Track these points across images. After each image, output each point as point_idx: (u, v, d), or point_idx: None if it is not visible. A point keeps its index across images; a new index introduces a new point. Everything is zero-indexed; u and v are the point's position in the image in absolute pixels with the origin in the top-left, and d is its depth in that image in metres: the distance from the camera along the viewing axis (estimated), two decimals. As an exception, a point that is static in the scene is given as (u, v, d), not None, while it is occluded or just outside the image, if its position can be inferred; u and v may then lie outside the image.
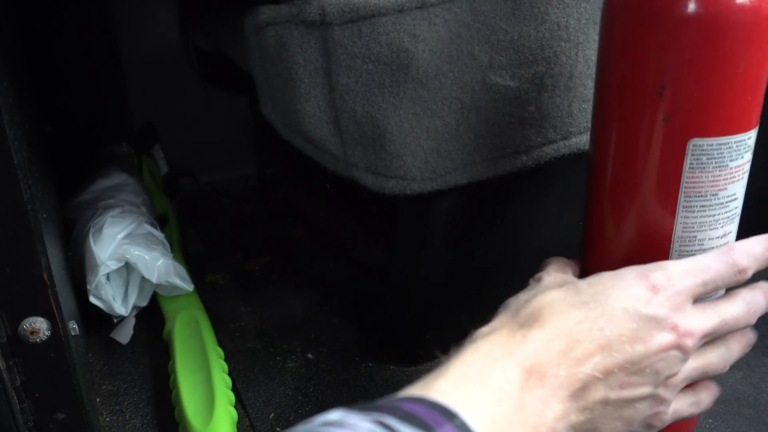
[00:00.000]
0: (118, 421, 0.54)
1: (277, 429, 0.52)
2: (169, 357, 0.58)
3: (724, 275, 0.37)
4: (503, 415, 0.31)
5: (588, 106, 0.50)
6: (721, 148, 0.38)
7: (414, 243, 0.55)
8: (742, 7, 0.35)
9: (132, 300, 0.64)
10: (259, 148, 0.94)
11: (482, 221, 0.55)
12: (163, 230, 0.73)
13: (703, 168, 0.38)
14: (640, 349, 0.35)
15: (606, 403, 0.35)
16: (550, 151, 0.51)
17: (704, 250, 0.41)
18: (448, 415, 0.29)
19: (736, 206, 0.41)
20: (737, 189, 0.40)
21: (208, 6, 0.77)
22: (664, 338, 0.35)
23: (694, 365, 0.38)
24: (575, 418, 0.34)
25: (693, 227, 0.40)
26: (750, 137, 0.39)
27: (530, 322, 0.36)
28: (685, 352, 0.36)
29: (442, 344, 0.60)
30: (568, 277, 0.43)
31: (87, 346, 0.63)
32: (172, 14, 0.89)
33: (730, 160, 0.38)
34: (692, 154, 0.38)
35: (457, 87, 0.46)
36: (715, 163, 0.38)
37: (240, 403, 0.55)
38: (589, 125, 0.51)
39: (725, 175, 0.39)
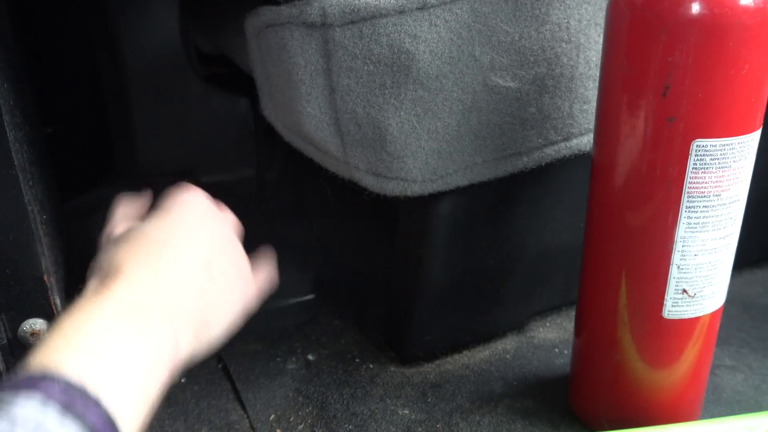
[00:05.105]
0: (118, 423, 0.54)
1: (278, 430, 0.52)
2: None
3: None
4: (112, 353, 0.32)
5: (589, 108, 0.50)
6: (724, 149, 0.38)
7: (415, 244, 0.55)
8: (746, 9, 0.34)
9: None
10: (259, 149, 0.93)
11: (483, 222, 0.55)
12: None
13: (707, 169, 0.38)
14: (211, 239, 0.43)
15: (204, 294, 0.40)
16: (551, 152, 0.51)
17: (706, 251, 0.41)
18: (46, 381, 0.29)
19: (739, 207, 0.41)
20: (740, 190, 0.40)
21: (209, 7, 0.77)
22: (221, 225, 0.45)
23: None
24: (180, 315, 0.37)
25: (696, 227, 0.40)
26: (753, 139, 0.39)
27: (111, 276, 0.37)
28: None
29: (442, 345, 0.60)
30: (134, 223, 0.45)
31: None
32: (173, 15, 0.89)
33: (734, 161, 0.38)
34: (696, 155, 0.38)
35: (458, 88, 0.46)
36: (719, 164, 0.38)
37: (240, 405, 0.55)
38: (590, 126, 0.51)
39: (728, 176, 0.38)
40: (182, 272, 0.40)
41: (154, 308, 0.36)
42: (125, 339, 0.33)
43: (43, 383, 0.28)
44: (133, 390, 0.32)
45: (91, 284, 0.38)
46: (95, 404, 0.29)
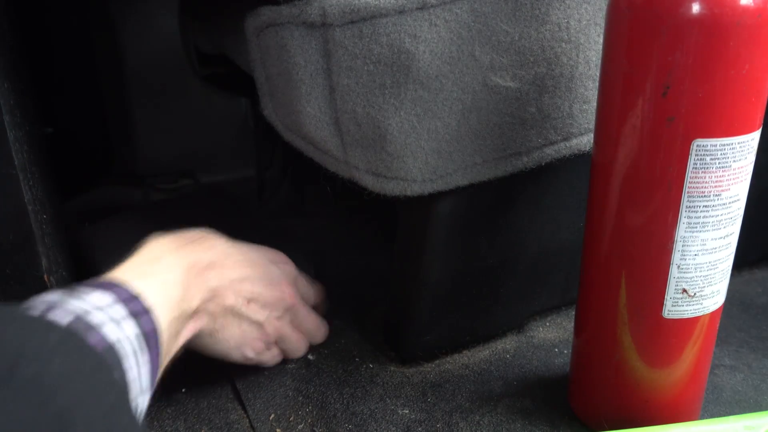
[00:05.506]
0: (118, 422, 0.54)
1: (278, 430, 0.52)
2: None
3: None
4: (166, 285, 0.43)
5: (588, 107, 0.50)
6: (724, 149, 0.38)
7: (415, 244, 0.55)
8: (746, 8, 0.35)
9: None
10: (259, 149, 0.93)
11: (483, 222, 0.55)
12: None
13: (707, 168, 0.38)
14: (268, 288, 0.52)
15: (232, 310, 0.50)
16: (550, 152, 0.51)
17: (706, 251, 0.41)
18: (116, 287, 0.38)
19: (739, 207, 0.41)
20: (740, 190, 0.40)
21: (209, 7, 0.77)
22: (287, 291, 0.54)
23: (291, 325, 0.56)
24: (212, 307, 0.48)
25: (696, 227, 0.40)
26: (753, 138, 0.39)
27: (196, 240, 0.50)
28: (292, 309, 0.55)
29: (442, 345, 0.60)
30: None
31: (87, 347, 0.62)
32: (173, 15, 0.89)
33: (734, 161, 0.38)
34: (696, 155, 0.38)
35: (457, 88, 0.46)
36: (719, 163, 0.38)
37: (240, 404, 0.55)
38: (590, 126, 0.51)
39: (728, 175, 0.39)
40: (237, 278, 0.50)
41: (206, 275, 0.47)
42: (176, 284, 0.44)
43: (115, 288, 0.38)
44: (168, 323, 0.42)
45: (175, 236, 0.48)
46: (148, 312, 0.38)
